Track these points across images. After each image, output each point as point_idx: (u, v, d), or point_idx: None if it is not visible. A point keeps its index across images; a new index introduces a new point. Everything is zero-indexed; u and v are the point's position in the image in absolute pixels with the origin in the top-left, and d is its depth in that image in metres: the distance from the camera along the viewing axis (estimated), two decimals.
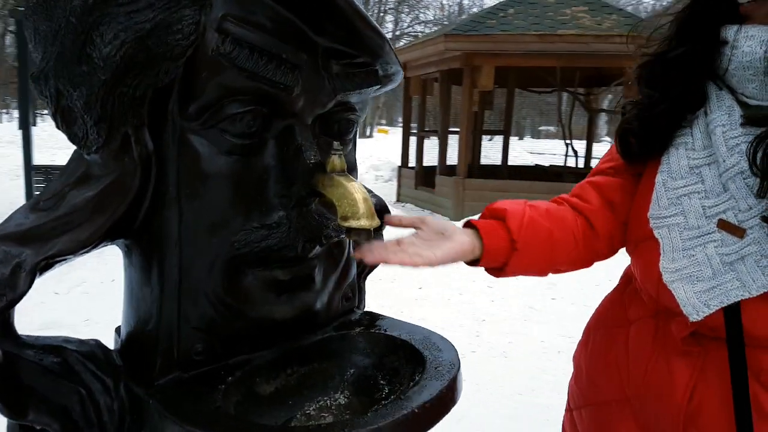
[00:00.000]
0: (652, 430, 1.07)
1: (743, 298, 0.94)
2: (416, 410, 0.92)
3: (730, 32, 0.96)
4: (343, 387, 1.14)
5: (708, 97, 1.01)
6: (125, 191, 0.91)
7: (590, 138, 11.89)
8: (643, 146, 1.09)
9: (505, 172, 11.58)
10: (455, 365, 1.06)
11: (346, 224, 0.94)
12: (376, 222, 0.95)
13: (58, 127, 0.93)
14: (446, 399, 0.99)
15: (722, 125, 0.97)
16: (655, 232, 1.02)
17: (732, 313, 0.95)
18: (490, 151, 16.05)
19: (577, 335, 1.31)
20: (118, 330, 1.13)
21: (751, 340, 0.95)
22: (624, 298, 1.19)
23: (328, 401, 1.11)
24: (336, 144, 1.00)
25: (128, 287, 1.04)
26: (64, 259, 0.92)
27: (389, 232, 1.16)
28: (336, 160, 0.98)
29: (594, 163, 12.01)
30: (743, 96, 0.98)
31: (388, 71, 1.09)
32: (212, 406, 0.91)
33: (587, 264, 1.21)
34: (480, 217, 1.17)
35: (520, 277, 1.19)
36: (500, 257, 1.10)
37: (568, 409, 1.28)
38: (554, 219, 1.14)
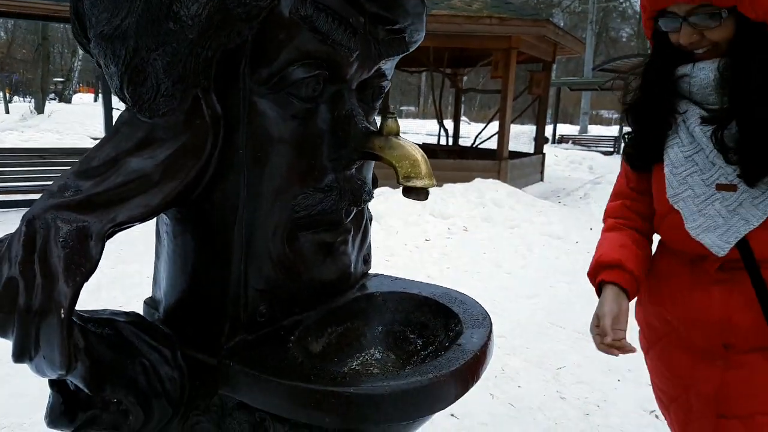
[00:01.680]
0: (696, 346, 1.41)
1: (750, 230, 1.29)
2: (478, 353, 1.01)
3: (686, 69, 1.36)
4: (376, 343, 1.20)
5: (684, 110, 1.39)
6: (198, 154, 0.90)
7: (457, 116, 12.49)
8: (645, 159, 1.49)
9: None
10: (486, 314, 1.16)
11: (409, 184, 0.99)
12: (435, 182, 1.01)
13: (120, 89, 0.89)
14: (491, 344, 1.08)
15: (699, 125, 1.35)
16: (675, 206, 1.37)
17: (744, 244, 1.30)
18: None
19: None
20: (150, 302, 1.10)
21: (762, 262, 1.30)
22: (660, 261, 1.53)
23: (367, 357, 1.17)
24: (390, 108, 1.05)
25: (180, 255, 1.01)
26: (131, 226, 0.89)
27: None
28: (392, 123, 1.03)
29: (462, 141, 12.76)
30: (707, 105, 1.36)
31: (414, 37, 1.14)
32: (295, 361, 0.93)
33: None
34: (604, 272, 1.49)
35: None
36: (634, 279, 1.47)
37: (645, 353, 1.61)
38: (642, 245, 1.53)
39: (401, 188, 1.01)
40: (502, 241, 5.98)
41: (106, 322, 0.95)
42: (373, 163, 1.22)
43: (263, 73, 0.92)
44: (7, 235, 0.89)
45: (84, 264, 0.82)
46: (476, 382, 0.99)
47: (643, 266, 1.49)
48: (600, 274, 1.49)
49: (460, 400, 0.96)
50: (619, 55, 22.99)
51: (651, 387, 1.64)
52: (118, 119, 0.96)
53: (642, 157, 1.50)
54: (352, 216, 1.12)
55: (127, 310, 1.04)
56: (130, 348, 0.95)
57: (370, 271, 1.37)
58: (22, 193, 6.60)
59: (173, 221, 1.01)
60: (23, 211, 0.92)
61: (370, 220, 1.30)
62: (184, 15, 0.82)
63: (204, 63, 0.87)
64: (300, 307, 1.08)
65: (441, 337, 1.15)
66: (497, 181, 7.83)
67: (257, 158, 0.95)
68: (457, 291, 1.27)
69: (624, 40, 37.02)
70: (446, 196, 6.95)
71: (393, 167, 1.00)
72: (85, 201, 0.88)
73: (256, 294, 0.99)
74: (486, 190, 7.29)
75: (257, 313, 1.00)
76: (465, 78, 14.09)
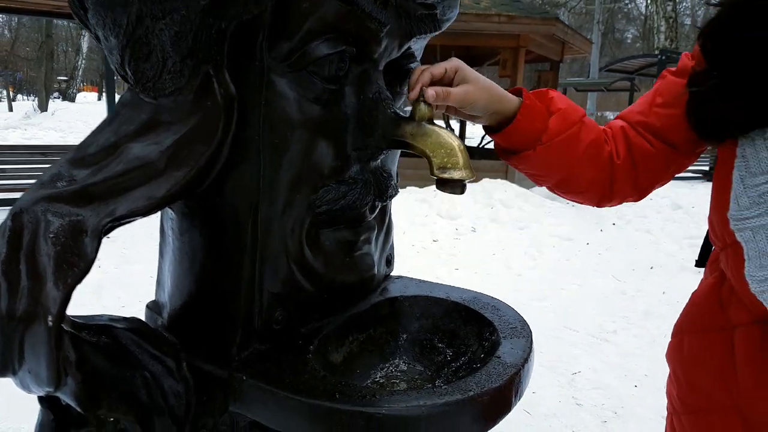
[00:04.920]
0: None
1: None
2: (521, 368, 0.90)
3: None
4: (400, 353, 1.09)
5: None
6: (209, 139, 0.79)
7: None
8: (723, 122, 0.92)
9: None
10: (525, 322, 1.05)
11: (445, 175, 0.88)
12: (474, 173, 0.90)
13: (120, 64, 0.79)
14: (533, 356, 0.97)
15: None
16: (737, 235, 0.88)
17: None
18: None
19: None
20: (153, 306, 0.99)
21: None
22: (721, 297, 1.03)
23: (391, 368, 1.06)
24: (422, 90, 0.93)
25: (187, 254, 0.90)
26: (132, 220, 0.79)
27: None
28: (424, 108, 0.91)
29: (469, 142, 12.50)
30: None
31: (447, 15, 1.03)
32: (317, 376, 0.82)
33: (605, 193, 1.12)
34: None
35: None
36: (533, 129, 1.04)
37: (670, 413, 1.18)
38: (594, 126, 1.09)
39: (435, 181, 0.89)
40: (511, 243, 5.86)
41: (103, 329, 0.84)
42: (398, 154, 1.11)
43: (283, 48, 0.81)
44: None
45: (77, 263, 0.72)
46: (520, 398, 0.88)
47: (570, 145, 1.05)
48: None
49: None
50: (624, 56, 22.82)
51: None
52: (119, 100, 0.85)
53: (721, 116, 0.91)
54: (376, 212, 1.02)
55: (131, 313, 0.93)
56: (129, 359, 0.84)
57: (392, 274, 1.26)
58: (23, 190, 6.50)
59: (179, 216, 0.90)
60: None
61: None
62: None
63: (217, 35, 0.76)
64: (319, 313, 0.97)
65: (474, 347, 1.04)
66: (505, 181, 7.70)
67: (275, 145, 0.84)
68: (488, 296, 1.16)
69: (629, 41, 36.82)
70: (453, 196, 6.83)
71: (426, 157, 0.89)
72: (80, 192, 0.77)
73: (272, 298, 0.88)
74: (494, 190, 7.17)
75: (273, 320, 0.89)
76: None
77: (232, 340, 0.86)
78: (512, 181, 8.14)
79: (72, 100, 32.32)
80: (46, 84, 25.56)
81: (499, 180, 7.61)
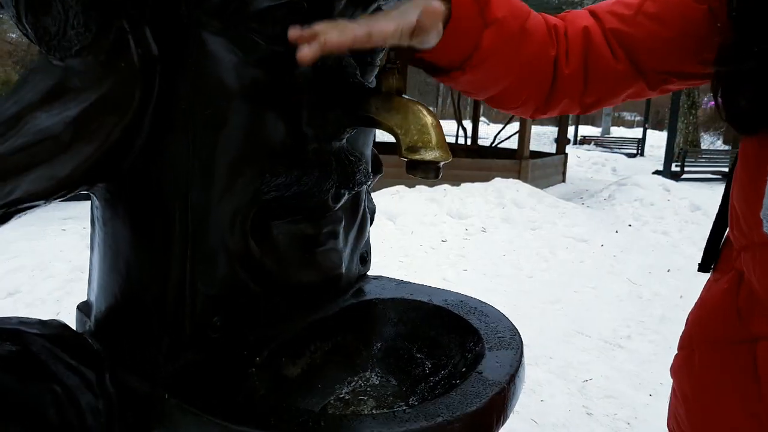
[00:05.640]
0: None
1: None
2: (505, 386, 0.75)
3: None
4: (372, 364, 0.95)
5: None
6: (122, 109, 0.65)
7: (476, 115, 12.20)
8: (758, 119, 0.77)
9: None
10: (515, 330, 0.91)
11: (416, 156, 0.73)
12: (449, 155, 0.75)
13: (18, 18, 0.65)
14: (521, 372, 0.83)
15: None
16: None
17: None
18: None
19: None
20: (83, 307, 0.86)
21: None
22: (739, 305, 0.89)
23: (360, 382, 0.92)
24: (391, 55, 0.79)
25: (111, 248, 0.77)
26: (32, 206, 0.65)
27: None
28: (394, 78, 0.77)
29: (482, 142, 12.33)
30: None
31: None
32: (255, 395, 0.69)
33: (540, 106, 0.95)
34: None
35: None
36: (462, 47, 0.83)
37: (672, 429, 1.04)
38: (538, 29, 0.89)
39: (405, 164, 0.75)
40: (523, 243, 5.69)
41: (10, 334, 0.71)
42: (373, 134, 0.97)
43: None
44: None
45: None
46: (503, 424, 0.73)
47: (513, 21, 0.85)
48: None
49: None
50: None
51: None
52: (29, 66, 0.72)
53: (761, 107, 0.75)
54: (342, 201, 0.88)
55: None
56: (38, 370, 0.71)
57: (369, 273, 1.12)
58: None
59: (102, 203, 0.77)
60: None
61: (373, 213, 1.05)
62: None
63: None
64: (272, 318, 0.83)
65: (456, 358, 0.90)
66: (518, 181, 7.52)
67: (208, 118, 0.70)
68: (476, 299, 1.01)
69: None
70: (464, 195, 6.67)
71: (394, 135, 0.74)
72: None
73: (207, 301, 0.75)
74: (506, 190, 6.99)
75: (209, 327, 0.76)
76: None
77: (157, 349, 0.73)
78: (525, 180, 7.98)
79: None
80: None
81: (511, 179, 7.44)
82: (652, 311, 4.10)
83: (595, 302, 4.27)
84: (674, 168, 11.82)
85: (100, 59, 0.65)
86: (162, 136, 0.70)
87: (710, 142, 23.15)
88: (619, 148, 19.09)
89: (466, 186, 6.91)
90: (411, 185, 6.78)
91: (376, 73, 0.93)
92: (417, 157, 0.73)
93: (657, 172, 10.55)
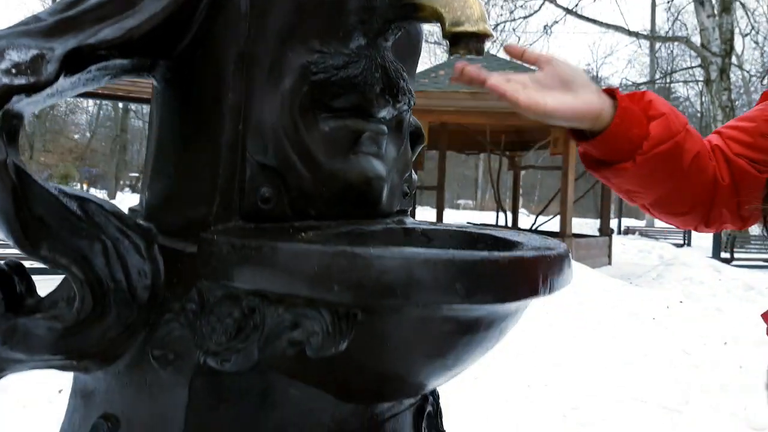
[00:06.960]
0: None
1: None
2: (557, 254, 0.74)
3: None
4: None
5: None
6: None
7: (516, 198, 12.32)
8: None
9: None
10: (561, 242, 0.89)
11: (459, 29, 0.77)
12: (491, 32, 0.79)
13: None
14: (570, 260, 0.81)
15: None
16: None
17: None
18: (422, 213, 16.24)
19: None
20: (135, 207, 0.90)
21: None
22: None
23: None
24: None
25: (167, 125, 0.81)
26: (106, 56, 0.70)
27: None
28: None
29: (522, 224, 12.40)
30: None
31: None
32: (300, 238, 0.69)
33: (704, 216, 1.00)
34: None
35: None
36: (632, 136, 0.88)
37: None
38: (698, 137, 0.95)
39: (449, 45, 0.79)
40: (570, 315, 5.53)
41: (75, 197, 0.73)
42: (414, 69, 1.02)
43: None
44: None
45: (29, 75, 0.64)
46: (548, 289, 0.71)
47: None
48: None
49: None
50: None
51: None
52: None
53: None
54: (385, 111, 0.90)
55: None
56: (93, 225, 0.73)
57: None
58: None
59: (162, 83, 0.81)
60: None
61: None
62: None
63: None
64: (317, 210, 0.84)
65: None
66: None
67: None
68: (513, 230, 1.00)
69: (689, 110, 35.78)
70: None
71: (438, 16, 0.79)
72: (53, 26, 0.70)
73: (258, 169, 0.77)
74: None
75: (259, 196, 0.77)
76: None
77: (207, 211, 0.75)
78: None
79: None
80: (117, 174, 27.06)
81: None
82: (709, 381, 3.88)
83: (648, 370, 4.07)
84: (723, 255, 11.51)
85: None
86: (218, 10, 0.75)
87: (760, 228, 22.50)
88: (665, 238, 18.73)
89: None
90: None
91: None
92: (461, 29, 0.77)
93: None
